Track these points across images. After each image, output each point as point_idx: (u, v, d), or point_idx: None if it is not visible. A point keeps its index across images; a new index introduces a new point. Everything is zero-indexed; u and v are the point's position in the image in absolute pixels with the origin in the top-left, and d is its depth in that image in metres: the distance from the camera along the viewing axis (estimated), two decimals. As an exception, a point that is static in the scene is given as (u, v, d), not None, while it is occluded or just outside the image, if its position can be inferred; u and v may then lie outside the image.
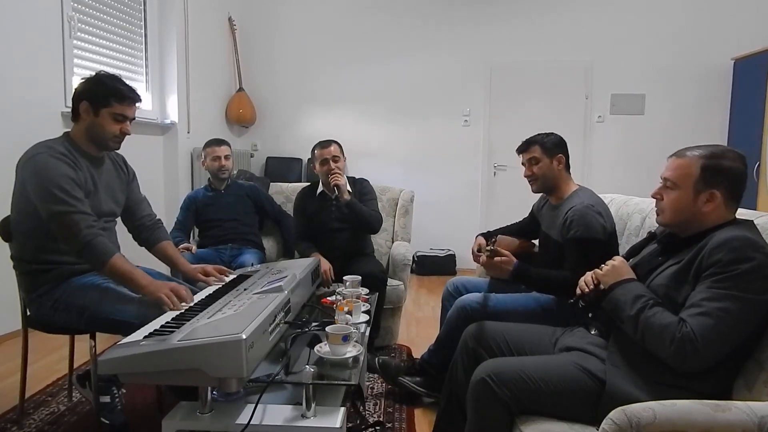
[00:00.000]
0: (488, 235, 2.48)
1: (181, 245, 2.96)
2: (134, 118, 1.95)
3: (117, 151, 2.03)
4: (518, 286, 2.23)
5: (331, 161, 2.86)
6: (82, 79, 1.91)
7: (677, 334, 1.26)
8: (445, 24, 5.37)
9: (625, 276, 1.46)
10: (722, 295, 1.26)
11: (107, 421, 2.00)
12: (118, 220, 2.10)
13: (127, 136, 1.95)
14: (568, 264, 1.99)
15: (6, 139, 2.92)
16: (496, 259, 1.92)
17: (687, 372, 1.29)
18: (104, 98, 1.85)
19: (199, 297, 1.83)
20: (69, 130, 1.92)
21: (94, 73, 1.92)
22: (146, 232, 2.14)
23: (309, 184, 3.11)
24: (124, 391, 2.33)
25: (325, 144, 2.92)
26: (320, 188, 3.00)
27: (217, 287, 1.94)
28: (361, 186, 3.03)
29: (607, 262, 1.53)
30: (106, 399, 1.95)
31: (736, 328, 1.26)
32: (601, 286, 1.51)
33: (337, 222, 2.92)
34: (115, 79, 1.90)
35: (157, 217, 2.21)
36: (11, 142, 2.95)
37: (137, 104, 1.96)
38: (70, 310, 1.81)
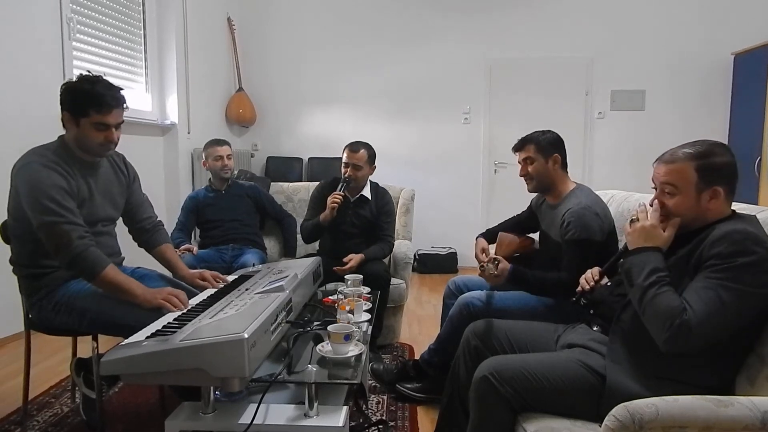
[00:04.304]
0: (488, 235, 2.48)
1: (183, 246, 2.97)
2: (121, 122, 1.85)
3: (117, 151, 2.00)
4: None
5: (351, 167, 2.84)
6: (63, 84, 1.81)
7: (677, 320, 1.26)
8: (444, 21, 5.37)
9: (656, 244, 1.41)
10: (718, 285, 1.26)
11: (85, 417, 2.05)
12: (119, 221, 2.09)
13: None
14: (564, 265, 1.99)
15: (5, 142, 2.92)
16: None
17: (670, 353, 1.29)
18: (82, 108, 1.76)
19: (200, 298, 1.83)
20: (64, 133, 1.88)
21: (76, 76, 1.83)
22: (146, 235, 2.13)
23: (332, 179, 3.03)
24: (117, 390, 2.34)
25: (354, 148, 2.88)
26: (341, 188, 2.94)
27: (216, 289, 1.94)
28: (383, 201, 2.97)
29: (639, 221, 1.45)
30: (93, 395, 1.94)
31: (729, 318, 1.26)
32: (604, 282, 1.50)
33: (350, 226, 2.91)
34: (96, 83, 1.78)
35: (158, 219, 2.20)
36: (10, 145, 2.94)
37: (124, 107, 1.84)
38: (71, 313, 1.81)
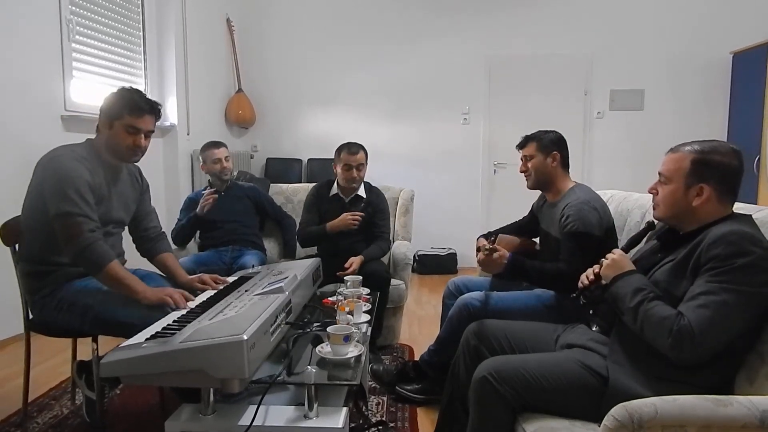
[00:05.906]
0: (488, 236, 2.48)
1: (207, 191, 3.02)
2: (151, 131, 1.96)
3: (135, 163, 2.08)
4: (520, 285, 2.23)
5: (355, 169, 2.88)
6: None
7: (674, 326, 1.27)
8: (443, 20, 5.36)
9: (626, 269, 1.47)
10: (720, 289, 1.26)
11: (88, 419, 2.07)
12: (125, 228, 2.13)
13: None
14: (562, 256, 2.00)
15: (5, 142, 2.93)
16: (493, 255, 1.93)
17: (684, 364, 1.30)
18: (117, 110, 1.89)
19: (199, 299, 1.84)
20: (92, 137, 1.97)
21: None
22: (149, 243, 2.17)
23: (326, 181, 3.09)
24: (118, 392, 2.35)
25: (353, 150, 2.89)
26: (335, 190, 3.00)
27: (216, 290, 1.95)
28: (377, 199, 3.01)
29: (607, 256, 1.53)
30: (95, 397, 1.95)
31: (734, 321, 1.26)
32: (603, 282, 1.51)
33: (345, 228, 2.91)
34: (133, 92, 1.93)
35: (162, 230, 2.24)
36: (11, 145, 2.96)
37: (156, 117, 1.96)
38: (74, 310, 1.82)
